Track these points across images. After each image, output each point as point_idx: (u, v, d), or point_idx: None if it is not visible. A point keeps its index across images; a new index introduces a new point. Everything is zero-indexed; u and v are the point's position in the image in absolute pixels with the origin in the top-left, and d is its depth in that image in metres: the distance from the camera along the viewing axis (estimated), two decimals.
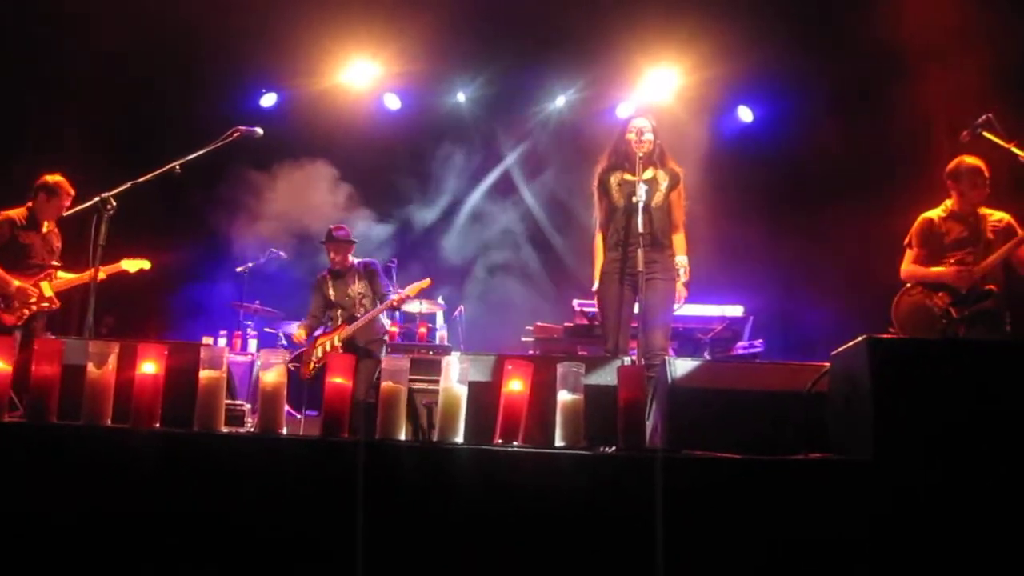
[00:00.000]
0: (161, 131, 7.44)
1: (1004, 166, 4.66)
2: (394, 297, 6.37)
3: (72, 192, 5.68)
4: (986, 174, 4.83)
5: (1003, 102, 4.88)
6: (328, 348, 6.37)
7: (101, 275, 5.34)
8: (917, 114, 6.75)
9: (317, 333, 6.66)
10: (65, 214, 5.60)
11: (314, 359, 6.44)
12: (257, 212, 8.18)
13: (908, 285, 4.95)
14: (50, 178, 5.68)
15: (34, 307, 5.60)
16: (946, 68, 6.43)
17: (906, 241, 5.06)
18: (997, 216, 4.85)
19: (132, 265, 6.04)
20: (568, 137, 8.73)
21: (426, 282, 6.44)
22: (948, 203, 4.96)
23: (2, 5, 6.77)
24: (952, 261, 4.80)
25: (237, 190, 8.17)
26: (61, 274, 5.75)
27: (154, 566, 2.24)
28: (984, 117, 4.53)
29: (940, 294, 4.77)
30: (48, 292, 5.64)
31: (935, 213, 4.98)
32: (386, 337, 6.75)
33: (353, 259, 6.68)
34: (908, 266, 4.99)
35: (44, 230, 5.74)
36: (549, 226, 9.05)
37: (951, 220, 4.91)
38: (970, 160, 4.87)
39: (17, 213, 5.63)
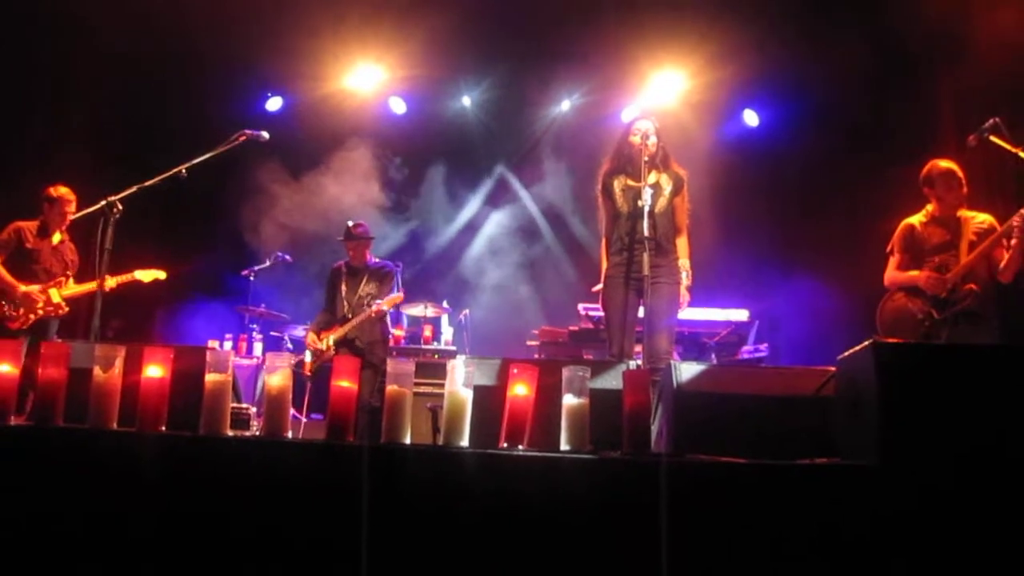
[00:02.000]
0: (167, 135, 7.45)
1: (1012, 171, 4.62)
2: (371, 309, 6.26)
3: (72, 198, 5.87)
4: (960, 175, 4.74)
5: (1013, 105, 4.85)
6: (326, 347, 6.35)
7: (112, 283, 5.43)
8: (925, 118, 6.73)
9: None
10: (73, 218, 5.74)
11: (313, 358, 6.42)
12: (264, 215, 8.20)
13: (891, 291, 4.87)
14: (52, 189, 5.89)
15: (40, 312, 5.68)
16: (955, 71, 6.41)
17: (888, 248, 4.98)
18: (980, 218, 4.75)
19: (146, 275, 6.04)
20: (573, 141, 8.72)
21: (398, 297, 6.38)
22: (929, 208, 4.86)
23: (6, 11, 6.80)
24: (936, 263, 4.71)
25: (243, 193, 8.19)
26: (72, 285, 5.83)
27: (158, 569, 2.24)
28: (991, 121, 4.47)
29: (921, 298, 4.69)
30: (56, 298, 5.74)
31: (916, 219, 4.89)
32: (389, 339, 6.69)
33: (373, 257, 6.66)
34: (890, 272, 4.91)
35: (55, 240, 5.87)
36: (553, 230, 9.05)
37: (932, 224, 4.82)
38: (943, 163, 4.79)
39: (28, 223, 5.86)
